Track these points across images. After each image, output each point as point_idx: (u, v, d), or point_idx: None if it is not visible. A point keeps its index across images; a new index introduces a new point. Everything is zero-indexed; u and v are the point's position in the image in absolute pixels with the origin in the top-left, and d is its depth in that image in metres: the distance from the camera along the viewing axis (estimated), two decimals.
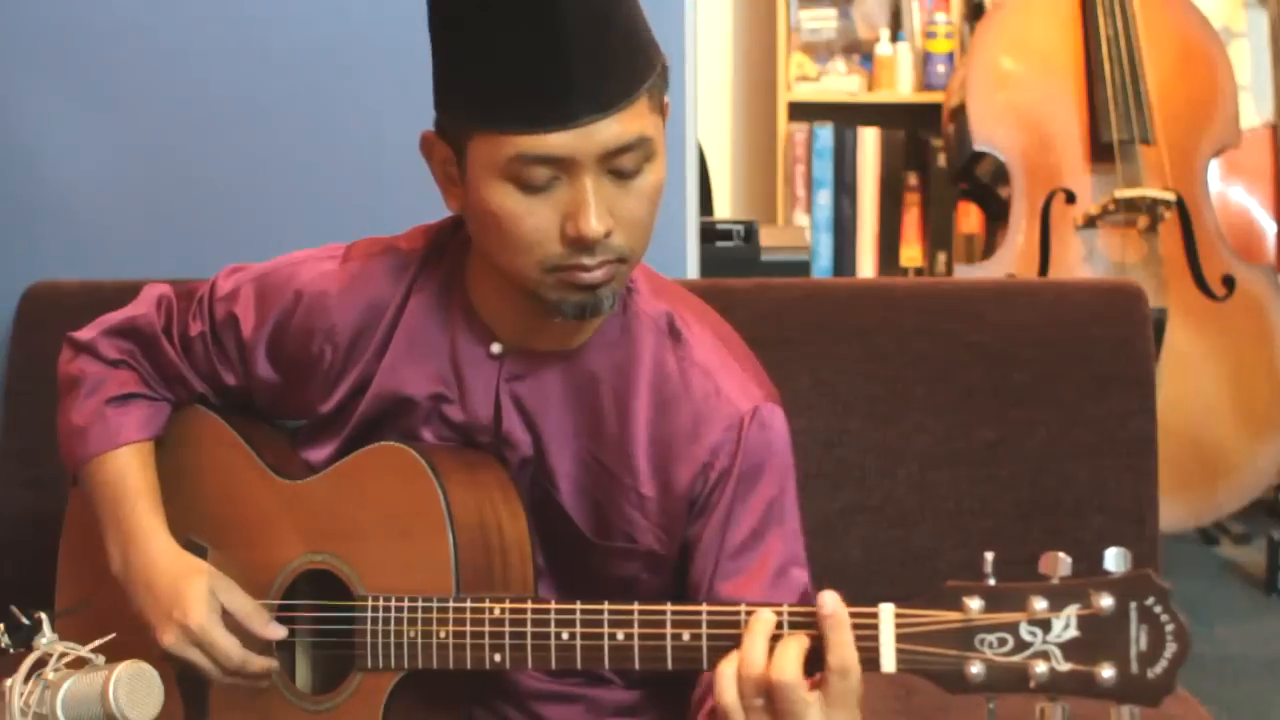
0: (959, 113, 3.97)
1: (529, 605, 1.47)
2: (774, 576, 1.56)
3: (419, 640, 1.52)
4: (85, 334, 1.75)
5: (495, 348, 1.60)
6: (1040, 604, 1.22)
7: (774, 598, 1.54)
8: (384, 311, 1.63)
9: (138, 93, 2.39)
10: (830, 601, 1.32)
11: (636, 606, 1.41)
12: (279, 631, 1.61)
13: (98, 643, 1.52)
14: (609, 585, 1.60)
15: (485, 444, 1.62)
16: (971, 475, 2.10)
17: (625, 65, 1.42)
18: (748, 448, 1.56)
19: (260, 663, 1.60)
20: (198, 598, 1.59)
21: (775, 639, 1.34)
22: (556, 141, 1.41)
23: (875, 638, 1.29)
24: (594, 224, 1.42)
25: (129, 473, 1.69)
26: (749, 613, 1.36)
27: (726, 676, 1.34)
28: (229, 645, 1.58)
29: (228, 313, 1.68)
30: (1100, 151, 3.84)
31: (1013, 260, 3.85)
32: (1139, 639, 1.21)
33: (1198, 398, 3.78)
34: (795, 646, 1.32)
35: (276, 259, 1.70)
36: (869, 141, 4.69)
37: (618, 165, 1.43)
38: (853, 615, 1.31)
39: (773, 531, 1.57)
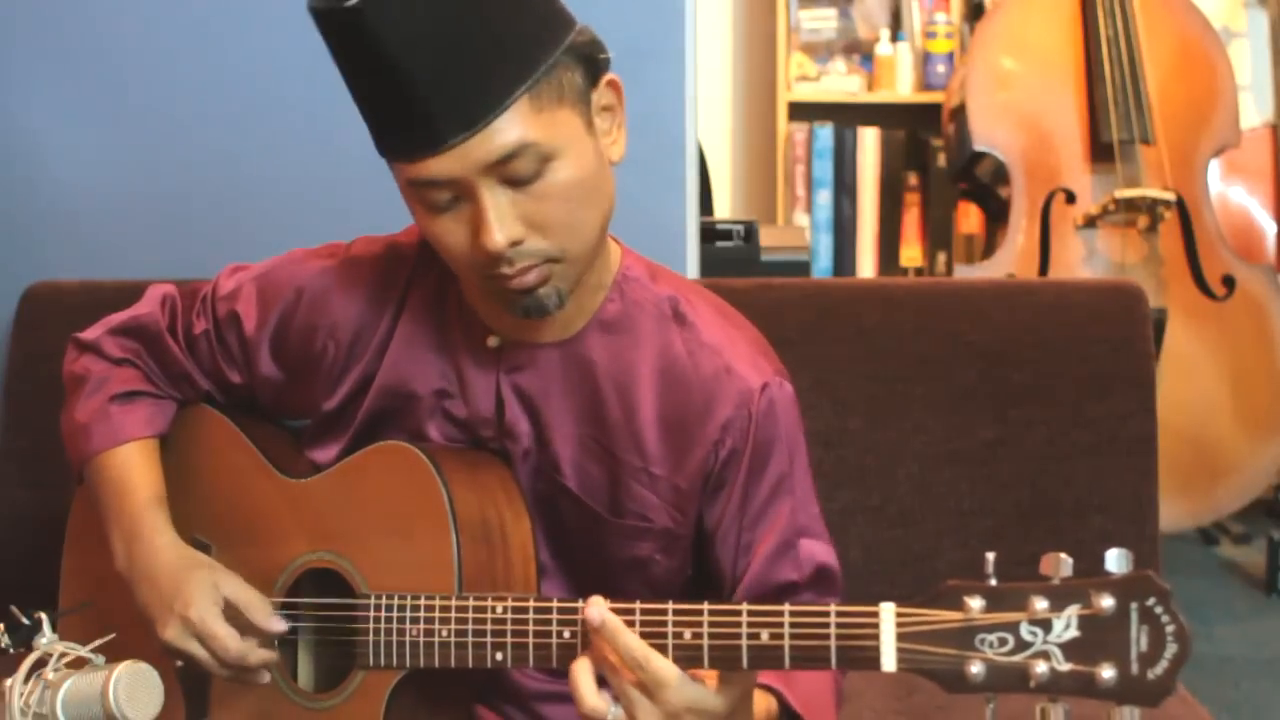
0: (959, 113, 3.98)
1: (530, 604, 1.47)
2: (777, 550, 1.57)
3: (420, 639, 1.52)
4: (90, 334, 1.76)
5: (492, 341, 1.61)
6: (1041, 604, 1.22)
7: (777, 571, 1.56)
8: (384, 308, 1.64)
9: (138, 93, 2.39)
10: (593, 614, 1.37)
11: (639, 605, 1.41)
12: (280, 625, 1.61)
13: (98, 643, 1.53)
14: (623, 569, 1.61)
15: (489, 438, 1.62)
16: (971, 475, 2.10)
17: (487, 77, 1.40)
18: (759, 424, 1.57)
19: (260, 655, 1.60)
20: (199, 589, 1.59)
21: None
22: (436, 166, 1.41)
23: (876, 637, 1.29)
24: (495, 238, 1.42)
25: (132, 469, 1.69)
26: (751, 612, 1.36)
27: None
28: (228, 637, 1.58)
29: (230, 311, 1.69)
30: (1100, 151, 3.85)
31: (1013, 260, 3.85)
32: (1139, 640, 1.20)
33: (1198, 398, 3.78)
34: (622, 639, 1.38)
35: (277, 258, 1.71)
36: (869, 141, 4.69)
37: (510, 174, 1.42)
38: (853, 614, 1.31)
39: (780, 504, 1.58)
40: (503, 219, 1.42)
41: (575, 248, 1.48)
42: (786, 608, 1.35)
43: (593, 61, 1.48)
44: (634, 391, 1.59)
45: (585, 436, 1.60)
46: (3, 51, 2.39)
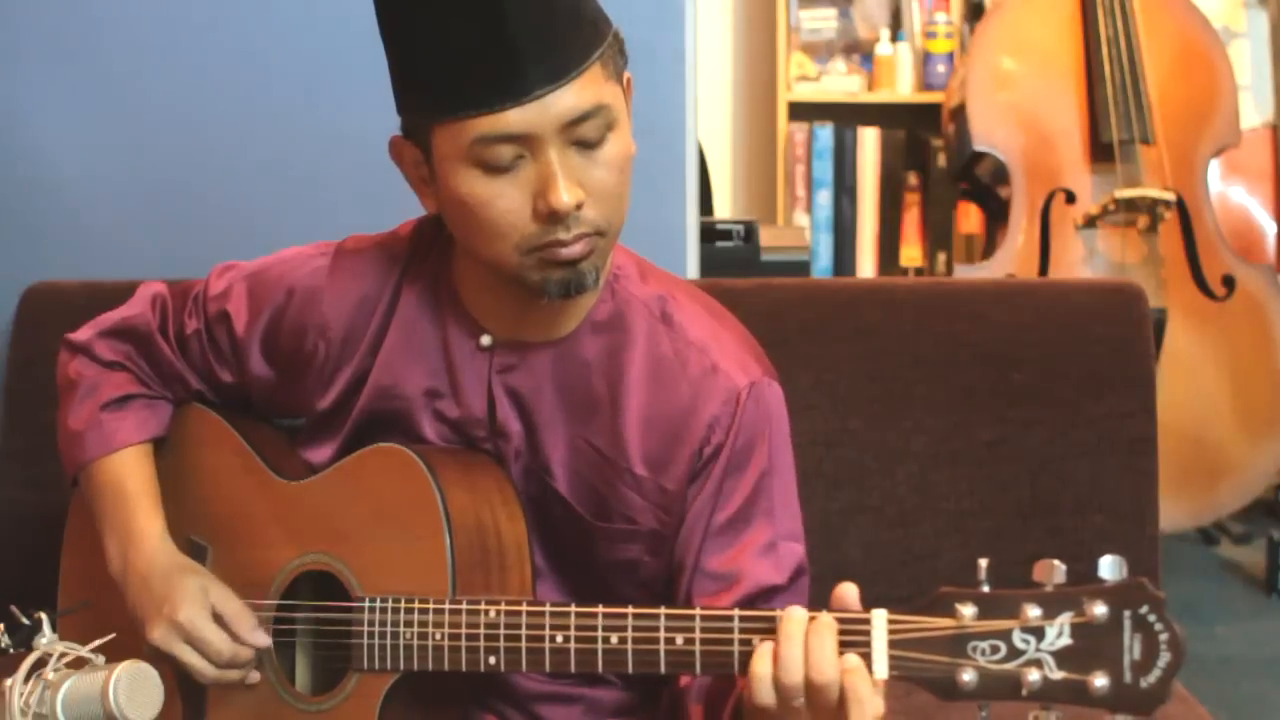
0: (959, 113, 3.98)
1: (524, 608, 1.47)
2: (763, 549, 1.57)
3: (414, 642, 1.53)
4: (81, 335, 1.76)
5: (485, 340, 1.61)
6: (1034, 611, 1.22)
7: (763, 571, 1.55)
8: (375, 306, 1.64)
9: (138, 93, 2.39)
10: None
11: (631, 610, 1.42)
12: (263, 639, 1.61)
13: (98, 643, 1.53)
14: (612, 571, 1.61)
15: (481, 438, 1.62)
16: (971, 475, 2.10)
17: (573, 35, 1.43)
18: (743, 423, 1.57)
19: (249, 653, 1.60)
20: (189, 594, 1.60)
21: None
22: (514, 118, 1.42)
23: (867, 643, 1.29)
24: (564, 196, 1.43)
25: (126, 475, 1.69)
26: (744, 618, 1.36)
27: (763, 679, 1.34)
28: (218, 639, 1.59)
29: (220, 310, 1.69)
30: (1100, 151, 3.85)
31: (1013, 260, 3.85)
32: (1133, 648, 1.20)
33: (1198, 398, 3.78)
34: (831, 641, 1.32)
35: (267, 256, 1.71)
36: (869, 141, 4.69)
37: (580, 135, 1.44)
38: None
39: (763, 506, 1.58)
40: (569, 179, 1.44)
41: (616, 224, 1.50)
42: (778, 612, 1.35)
43: (624, 55, 1.51)
44: (624, 392, 1.59)
45: (576, 438, 1.60)
46: (3, 51, 2.39)
